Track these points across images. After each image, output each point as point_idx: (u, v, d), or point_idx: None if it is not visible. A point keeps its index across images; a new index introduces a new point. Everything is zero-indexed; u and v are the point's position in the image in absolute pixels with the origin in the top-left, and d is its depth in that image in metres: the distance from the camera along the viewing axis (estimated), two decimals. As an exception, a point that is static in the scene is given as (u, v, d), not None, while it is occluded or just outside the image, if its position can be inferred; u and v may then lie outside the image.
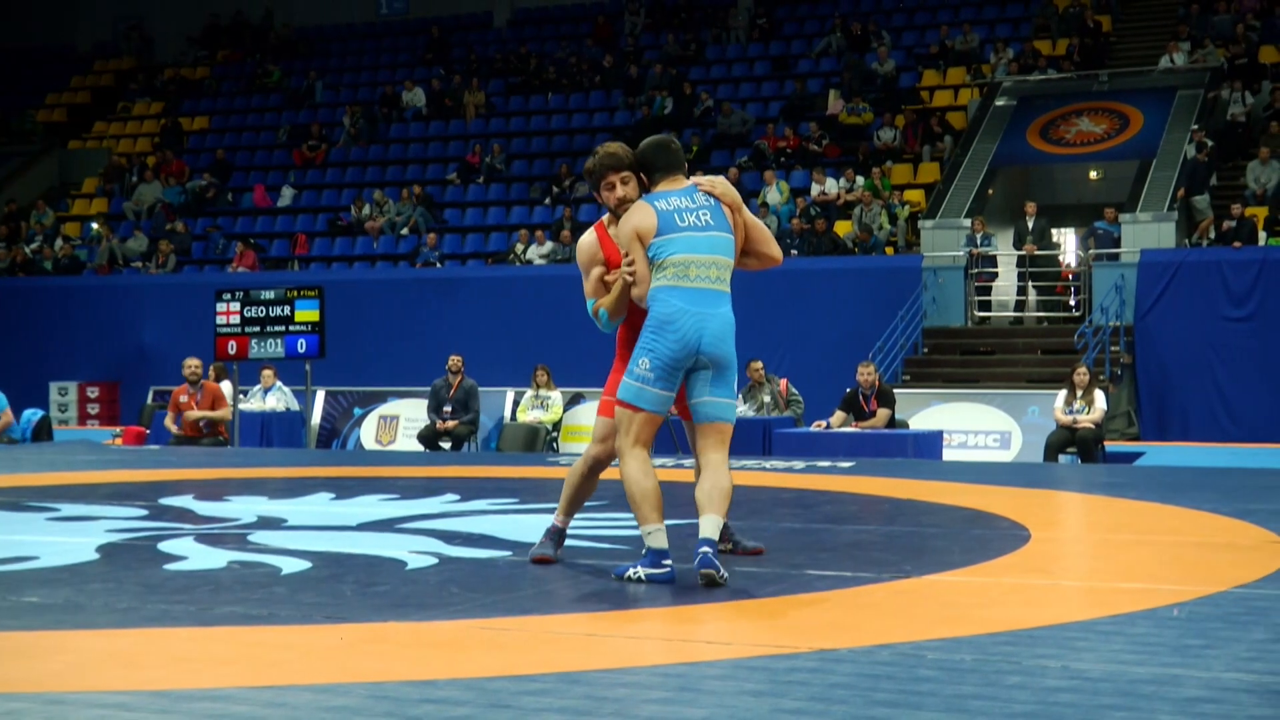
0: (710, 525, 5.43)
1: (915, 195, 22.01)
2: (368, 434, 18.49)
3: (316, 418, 18.18)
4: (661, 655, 4.36)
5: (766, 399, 15.04)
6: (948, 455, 14.85)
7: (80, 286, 23.88)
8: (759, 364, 15.43)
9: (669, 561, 5.51)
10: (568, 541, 6.79)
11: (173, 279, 23.57)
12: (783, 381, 15.52)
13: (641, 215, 5.66)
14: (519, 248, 22.29)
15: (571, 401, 17.39)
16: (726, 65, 26.92)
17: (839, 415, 14.04)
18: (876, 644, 4.44)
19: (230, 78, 30.71)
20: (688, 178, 5.79)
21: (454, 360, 16.22)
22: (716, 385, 5.60)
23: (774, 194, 21.88)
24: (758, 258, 5.83)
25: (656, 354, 5.54)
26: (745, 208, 5.79)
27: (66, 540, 7.02)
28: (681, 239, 5.59)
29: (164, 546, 6.71)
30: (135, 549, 6.67)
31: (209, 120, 29.38)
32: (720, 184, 5.74)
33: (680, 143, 5.83)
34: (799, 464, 11.32)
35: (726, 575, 5.39)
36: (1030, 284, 20.49)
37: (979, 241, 19.90)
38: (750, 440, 14.22)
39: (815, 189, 22.02)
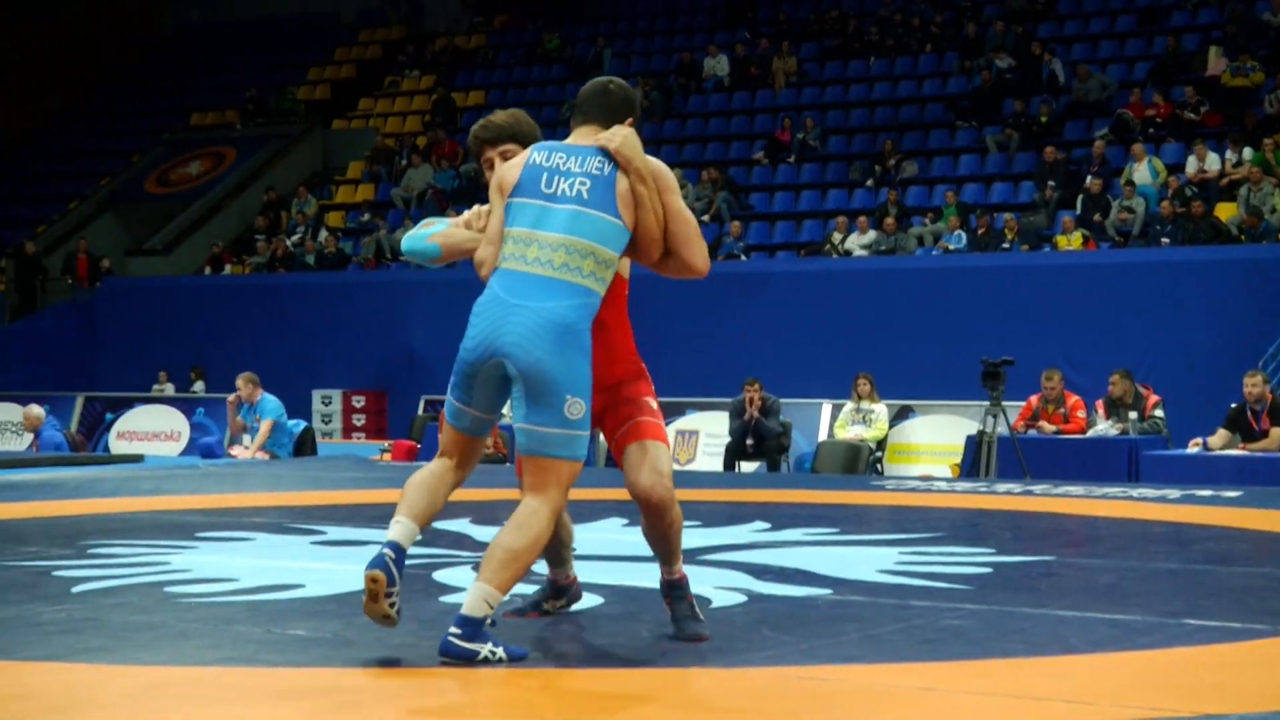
0: (470, 596, 4.91)
1: (1315, 171, 21.18)
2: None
3: (604, 433, 18.47)
4: (1010, 715, 4.30)
5: (1133, 415, 14.70)
6: (1360, 484, 14.27)
7: (344, 283, 24.70)
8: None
9: (388, 550, 4.99)
10: (901, 580, 6.77)
11: (446, 274, 24.10)
12: (1149, 394, 15.12)
13: (512, 163, 5.21)
14: (836, 237, 22.26)
15: (898, 415, 17.27)
16: (1083, 20, 26.38)
17: (1222, 434, 13.68)
18: (1274, 710, 4.30)
19: (508, 46, 31.46)
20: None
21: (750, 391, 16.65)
22: (531, 408, 4.93)
23: (1143, 172, 21.34)
24: (675, 261, 5.18)
25: (459, 353, 5.07)
26: (675, 192, 5.20)
27: (333, 567, 7.29)
28: (534, 207, 5.04)
29: (439, 576, 6.90)
30: (408, 579, 6.80)
31: (485, 95, 30.11)
32: (621, 141, 5.15)
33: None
34: (1173, 492, 11.06)
35: (488, 661, 4.85)
36: None
37: (1396, 226, 19.05)
38: (1114, 464, 13.92)
39: (1192, 165, 21.40)
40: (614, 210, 5.05)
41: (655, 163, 5.21)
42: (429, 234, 5.39)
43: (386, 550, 4.97)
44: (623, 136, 5.14)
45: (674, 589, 5.43)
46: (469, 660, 4.82)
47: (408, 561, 5.09)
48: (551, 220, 5.01)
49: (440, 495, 5.14)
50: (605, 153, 5.14)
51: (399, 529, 5.03)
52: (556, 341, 4.89)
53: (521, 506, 5.02)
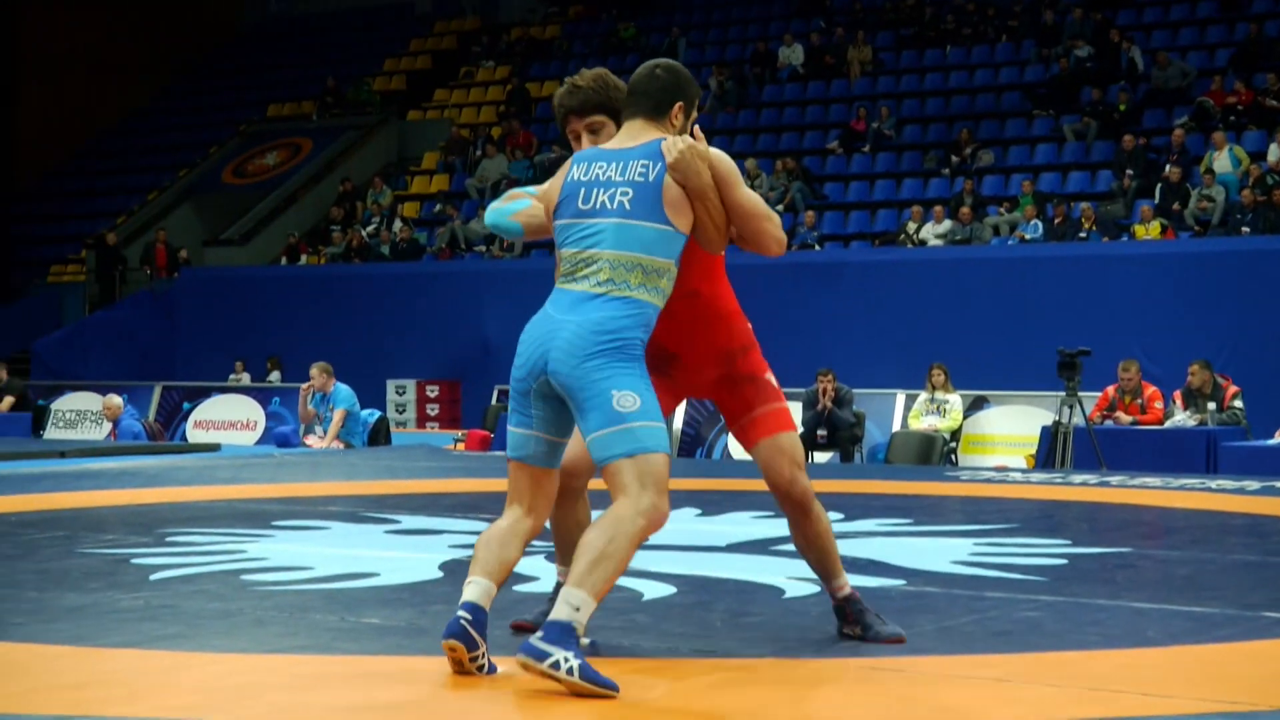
0: (561, 601, 4.49)
1: (1399, 159, 20.91)
2: (736, 442, 18.67)
3: (678, 423, 18.47)
4: (1084, 707, 4.27)
5: (1211, 406, 14.57)
6: None
7: (419, 273, 24.82)
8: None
9: (463, 613, 4.61)
10: (975, 571, 6.75)
11: (519, 264, 24.26)
12: (1228, 385, 14.99)
13: (554, 180, 4.96)
14: (911, 227, 22.17)
15: (973, 406, 17.19)
16: (1163, 7, 26.13)
17: (1302, 426, 13.55)
18: (1355, 704, 4.25)
19: (582, 37, 31.49)
20: (673, 126, 4.92)
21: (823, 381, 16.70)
22: (583, 417, 4.65)
23: (1224, 160, 21.13)
24: (749, 246, 4.98)
25: (512, 377, 4.86)
26: (737, 185, 4.85)
27: (408, 556, 7.34)
28: (575, 226, 4.80)
29: (512, 565, 6.92)
30: (481, 567, 6.89)
31: (559, 85, 30.10)
32: (678, 157, 4.76)
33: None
34: (1252, 484, 10.94)
35: (559, 666, 4.39)
36: None
37: None
38: (1193, 455, 13.79)
39: (1273, 154, 21.17)
40: (661, 218, 4.73)
41: (715, 155, 4.82)
42: (512, 210, 5.22)
43: (462, 613, 4.59)
44: (679, 152, 4.75)
45: (851, 605, 5.18)
46: (538, 660, 4.38)
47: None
48: (595, 237, 4.74)
49: (513, 549, 4.76)
50: (653, 153, 4.80)
51: (474, 589, 4.65)
52: (596, 346, 4.62)
53: (610, 507, 4.63)
